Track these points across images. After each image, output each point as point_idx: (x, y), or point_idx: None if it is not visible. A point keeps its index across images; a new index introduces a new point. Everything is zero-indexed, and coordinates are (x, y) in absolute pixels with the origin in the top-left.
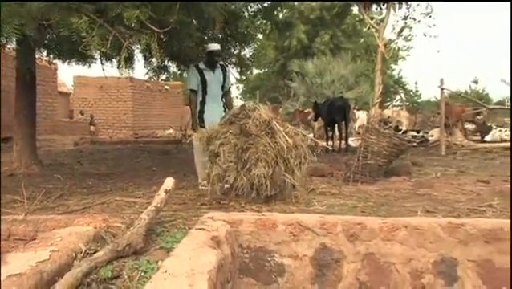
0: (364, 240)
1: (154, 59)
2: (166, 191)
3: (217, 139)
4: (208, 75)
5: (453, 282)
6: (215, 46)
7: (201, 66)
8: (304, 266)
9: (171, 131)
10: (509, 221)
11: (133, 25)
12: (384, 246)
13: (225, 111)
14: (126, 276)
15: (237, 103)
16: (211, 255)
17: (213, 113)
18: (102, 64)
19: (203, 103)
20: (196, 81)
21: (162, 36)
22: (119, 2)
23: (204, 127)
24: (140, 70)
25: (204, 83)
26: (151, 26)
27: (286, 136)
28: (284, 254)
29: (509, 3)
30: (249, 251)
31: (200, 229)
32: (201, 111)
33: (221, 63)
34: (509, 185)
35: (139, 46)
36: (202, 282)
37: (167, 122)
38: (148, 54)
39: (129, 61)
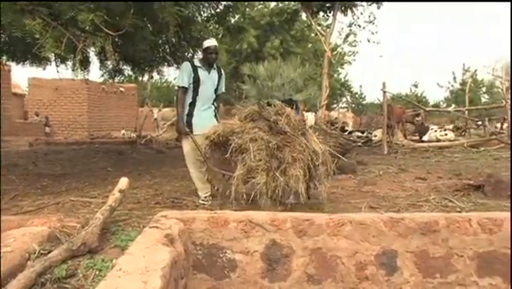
0: (312, 235)
1: (109, 62)
2: (121, 190)
3: (246, 133)
4: (202, 74)
5: (393, 272)
6: (211, 42)
7: (196, 63)
8: (255, 261)
9: (123, 132)
10: (441, 214)
11: (88, 28)
12: (330, 241)
13: (215, 116)
14: (81, 275)
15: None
16: (164, 253)
17: (204, 118)
18: (57, 66)
19: (193, 104)
20: (187, 78)
21: (117, 39)
22: (73, 5)
23: (191, 132)
24: (95, 72)
25: (197, 82)
26: (105, 29)
27: (318, 141)
28: (236, 250)
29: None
30: (202, 248)
31: (153, 227)
32: (190, 115)
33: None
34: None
35: (94, 48)
36: (156, 278)
37: (122, 123)
38: (102, 57)
39: (84, 63)
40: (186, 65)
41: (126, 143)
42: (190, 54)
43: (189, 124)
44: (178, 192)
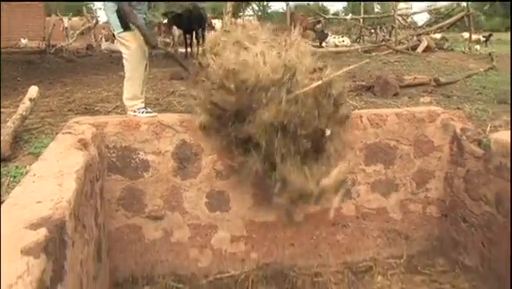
0: None
1: None
2: (31, 99)
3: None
4: None
5: None
6: None
7: None
8: (167, 160)
9: (26, 41)
10: None
11: None
12: None
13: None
14: None
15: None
16: (78, 157)
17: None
18: None
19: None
20: None
21: None
22: None
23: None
24: None
25: None
26: None
27: None
28: (148, 151)
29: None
30: (116, 151)
31: (67, 133)
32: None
33: None
34: None
35: None
36: (71, 181)
37: (30, 33)
38: None
39: None
40: None
41: (35, 52)
42: None
43: (128, 27)
44: (90, 98)
